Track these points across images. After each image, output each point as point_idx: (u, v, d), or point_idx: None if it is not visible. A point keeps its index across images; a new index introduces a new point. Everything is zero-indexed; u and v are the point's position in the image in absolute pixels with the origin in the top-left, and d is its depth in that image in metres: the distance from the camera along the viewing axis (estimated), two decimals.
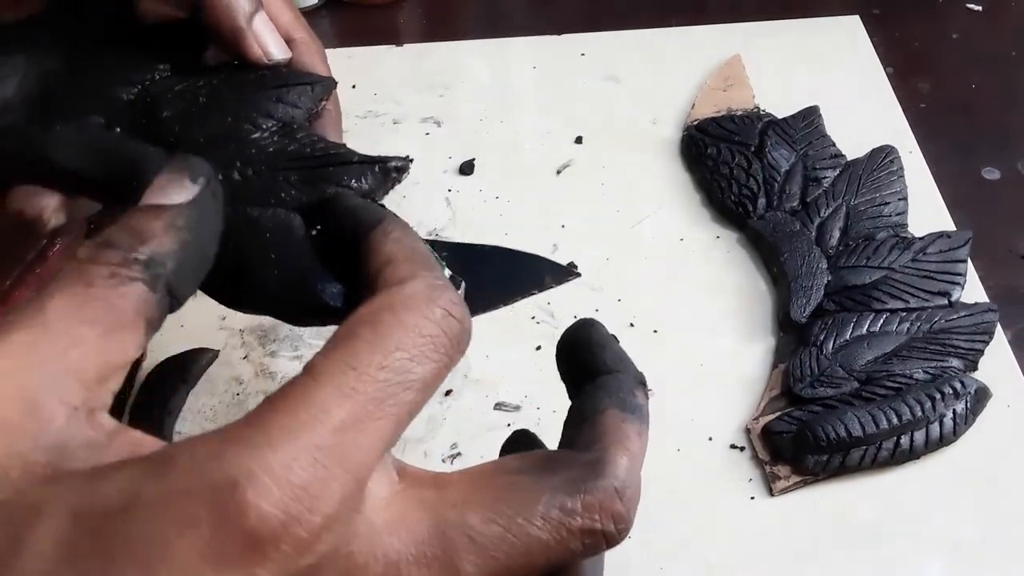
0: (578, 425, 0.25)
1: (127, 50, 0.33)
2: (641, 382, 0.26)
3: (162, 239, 0.23)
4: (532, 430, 0.28)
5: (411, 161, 0.31)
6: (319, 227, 0.29)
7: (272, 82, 0.33)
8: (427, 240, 0.27)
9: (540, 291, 0.32)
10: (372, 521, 0.20)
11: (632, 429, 0.24)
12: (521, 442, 0.29)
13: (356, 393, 0.20)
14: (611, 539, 0.22)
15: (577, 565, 0.24)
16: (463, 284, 0.28)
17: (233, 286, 0.28)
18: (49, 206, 0.32)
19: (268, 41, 0.33)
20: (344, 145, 0.32)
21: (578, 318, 0.28)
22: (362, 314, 0.22)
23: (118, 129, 0.31)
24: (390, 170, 0.30)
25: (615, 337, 0.28)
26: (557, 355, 0.28)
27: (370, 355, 0.21)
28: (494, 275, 0.31)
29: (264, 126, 0.31)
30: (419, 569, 0.21)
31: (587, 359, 0.27)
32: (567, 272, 0.32)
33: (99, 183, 0.28)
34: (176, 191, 0.24)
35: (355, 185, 0.29)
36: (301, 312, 0.29)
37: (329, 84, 0.34)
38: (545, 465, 0.23)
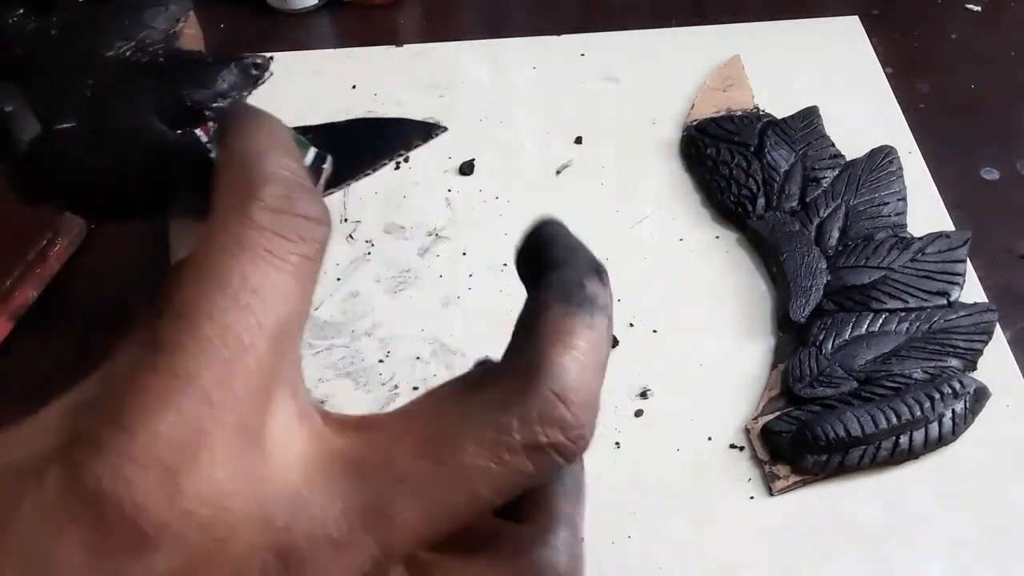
0: (518, 335, 0.21)
1: None
2: (596, 268, 0.22)
3: None
4: None
5: (271, 59, 0.32)
6: (181, 130, 0.30)
7: (125, 7, 0.34)
8: (294, 128, 0.28)
9: (408, 150, 0.32)
10: (286, 479, 0.18)
11: (578, 322, 0.20)
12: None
13: (204, 338, 0.17)
14: (563, 450, 0.19)
15: (545, 486, 0.21)
16: (329, 158, 0.29)
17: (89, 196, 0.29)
18: None
19: None
20: (200, 51, 0.33)
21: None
22: (185, 267, 0.19)
23: None
24: (248, 67, 0.31)
25: (571, 233, 0.24)
26: (517, 267, 0.24)
27: (209, 297, 0.18)
28: (362, 144, 0.32)
29: (118, 46, 0.32)
30: (348, 522, 0.18)
31: (537, 260, 0.23)
32: (432, 128, 0.33)
33: None
34: None
35: (215, 86, 0.30)
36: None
37: (186, 4, 0.35)
38: (476, 383, 0.20)
